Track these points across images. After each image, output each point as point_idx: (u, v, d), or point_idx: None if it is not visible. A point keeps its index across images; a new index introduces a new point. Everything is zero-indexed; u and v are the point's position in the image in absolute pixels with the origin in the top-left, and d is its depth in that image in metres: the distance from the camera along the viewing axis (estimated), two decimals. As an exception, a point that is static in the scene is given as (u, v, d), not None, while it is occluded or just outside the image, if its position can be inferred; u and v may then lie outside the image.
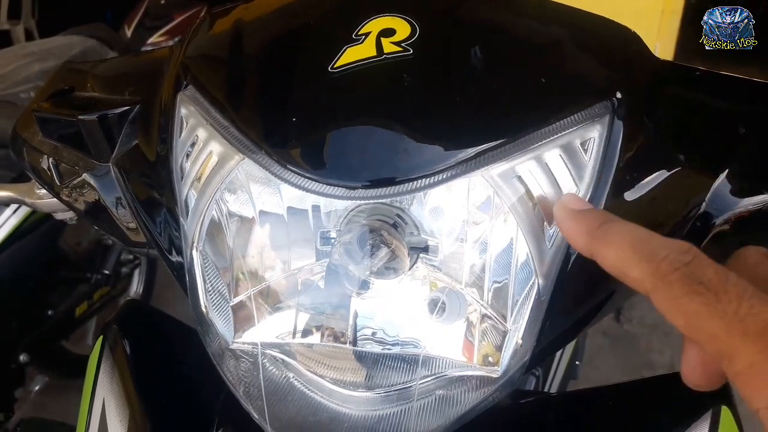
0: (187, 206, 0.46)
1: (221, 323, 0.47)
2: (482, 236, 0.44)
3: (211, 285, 0.47)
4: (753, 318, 0.26)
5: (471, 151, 0.40)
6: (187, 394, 0.61)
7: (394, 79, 0.42)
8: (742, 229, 0.48)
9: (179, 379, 0.62)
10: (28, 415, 1.85)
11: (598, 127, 0.43)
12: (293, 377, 0.48)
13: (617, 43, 0.48)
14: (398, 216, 0.46)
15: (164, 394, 0.60)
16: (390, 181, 0.40)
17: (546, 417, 0.55)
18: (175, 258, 0.50)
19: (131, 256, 2.32)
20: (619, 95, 0.44)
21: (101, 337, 0.66)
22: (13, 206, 1.72)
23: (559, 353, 1.27)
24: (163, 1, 4.08)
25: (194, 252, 0.46)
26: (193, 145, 0.47)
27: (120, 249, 2.20)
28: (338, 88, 0.42)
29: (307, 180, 0.40)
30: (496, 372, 0.45)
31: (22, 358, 1.85)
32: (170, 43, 3.94)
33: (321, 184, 0.40)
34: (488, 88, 0.43)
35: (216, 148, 0.44)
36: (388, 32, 0.44)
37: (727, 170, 0.48)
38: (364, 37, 0.44)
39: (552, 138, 0.41)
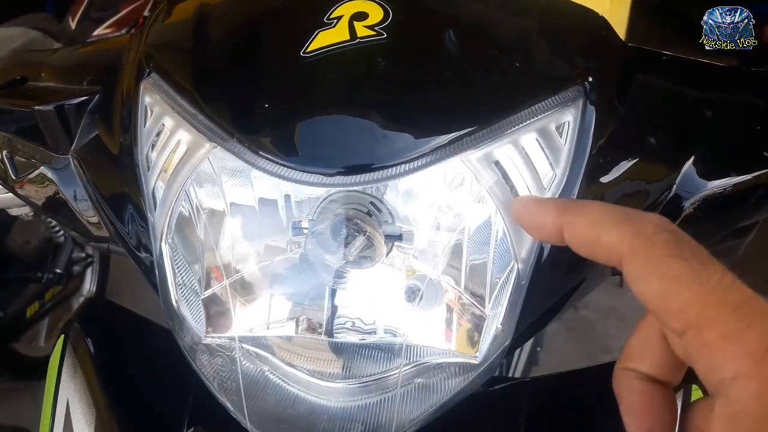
0: (154, 198, 0.45)
1: (192, 318, 0.46)
2: (459, 223, 0.44)
3: (181, 279, 0.46)
4: (735, 290, 0.26)
5: (449, 137, 0.39)
6: (156, 393, 0.59)
7: (369, 64, 0.41)
8: (710, 210, 0.49)
9: (146, 378, 0.60)
10: (-22, 421, 1.79)
11: (572, 111, 0.43)
12: (268, 370, 0.47)
13: (587, 27, 0.48)
14: (372, 204, 0.46)
15: (131, 394, 0.58)
16: (368, 168, 0.39)
17: (520, 402, 0.55)
18: (142, 253, 0.48)
19: (83, 254, 2.25)
20: (590, 79, 0.44)
21: (62, 336, 0.63)
22: (-42, 205, 1.66)
23: (521, 340, 1.29)
24: (108, -9, 3.97)
25: (163, 245, 0.44)
26: (158, 134, 0.45)
27: (71, 247, 2.13)
28: (311, 74, 0.41)
29: (282, 167, 0.39)
30: (475, 359, 0.44)
31: (-28, 361, 1.79)
32: (117, 35, 3.85)
33: (297, 171, 0.39)
34: (463, 74, 0.42)
35: (184, 136, 0.43)
36: (361, 16, 0.43)
37: (695, 154, 0.48)
38: (336, 20, 0.43)
39: (528, 122, 0.41)
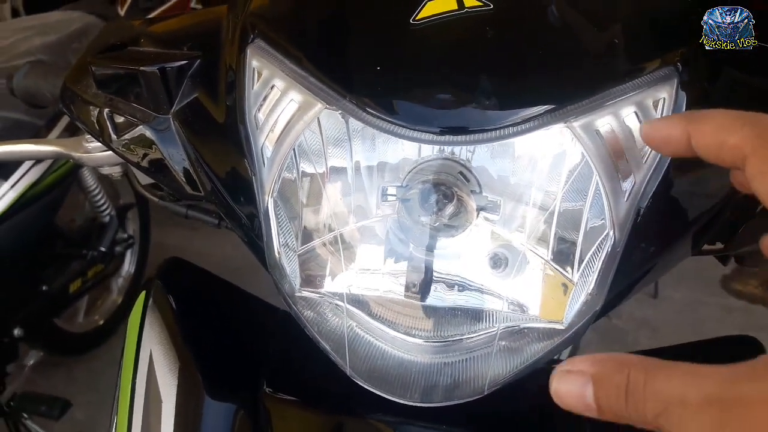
0: (262, 156, 0.47)
1: (289, 272, 0.48)
2: (552, 190, 0.45)
3: (282, 236, 0.48)
4: None
5: (555, 104, 0.41)
6: (234, 349, 0.62)
7: (477, 32, 0.43)
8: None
9: (225, 335, 0.63)
10: (21, 390, 1.83)
11: (668, 88, 0.44)
12: (356, 326, 0.49)
13: (682, 13, 0.49)
14: (461, 174, 0.48)
15: (212, 349, 0.60)
16: (475, 129, 0.41)
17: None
18: (243, 207, 0.50)
19: (125, 235, 2.30)
20: (683, 60, 0.45)
21: (143, 292, 0.66)
22: (12, 180, 1.71)
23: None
24: (156, -19, 4.02)
25: (270, 199, 0.47)
26: (266, 97, 0.47)
27: (116, 227, 2.18)
28: (421, 40, 0.43)
29: (394, 125, 0.41)
30: (561, 324, 0.46)
31: (17, 332, 1.83)
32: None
33: (408, 129, 0.41)
34: (566, 46, 0.44)
35: (296, 97, 0.45)
36: (468, -13, 0.45)
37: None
38: (444, -9, 0.45)
39: (629, 95, 0.42)
